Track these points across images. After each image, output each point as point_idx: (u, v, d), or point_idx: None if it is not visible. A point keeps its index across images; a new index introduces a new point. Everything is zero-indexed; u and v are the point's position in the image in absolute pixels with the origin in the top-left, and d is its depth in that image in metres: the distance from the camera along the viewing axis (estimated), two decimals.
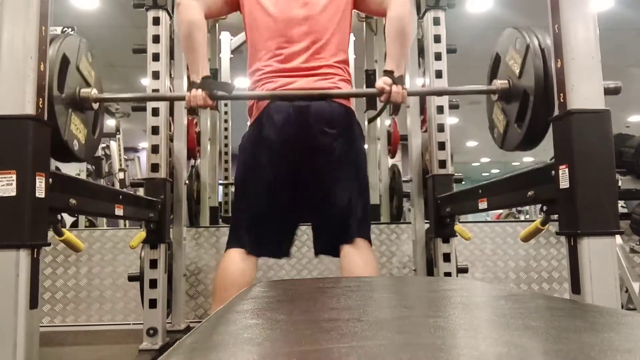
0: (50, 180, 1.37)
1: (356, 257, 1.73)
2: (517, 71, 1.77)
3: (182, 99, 1.86)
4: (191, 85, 1.70)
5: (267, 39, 1.76)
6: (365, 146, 4.10)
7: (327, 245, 1.83)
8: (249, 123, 1.83)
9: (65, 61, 1.70)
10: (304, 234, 2.87)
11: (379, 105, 1.92)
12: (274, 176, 1.75)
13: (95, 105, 1.87)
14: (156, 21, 2.45)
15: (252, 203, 1.80)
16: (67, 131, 1.67)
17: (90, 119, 1.91)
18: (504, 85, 1.86)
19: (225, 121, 4.58)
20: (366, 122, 3.88)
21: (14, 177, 1.26)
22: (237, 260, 1.75)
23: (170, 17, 2.54)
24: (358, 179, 1.82)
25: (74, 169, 4.92)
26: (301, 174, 1.75)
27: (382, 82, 1.71)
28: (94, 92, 1.84)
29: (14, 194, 1.26)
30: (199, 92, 1.66)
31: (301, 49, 1.74)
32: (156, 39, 2.44)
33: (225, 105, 4.49)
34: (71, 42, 1.75)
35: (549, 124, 1.47)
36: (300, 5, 1.76)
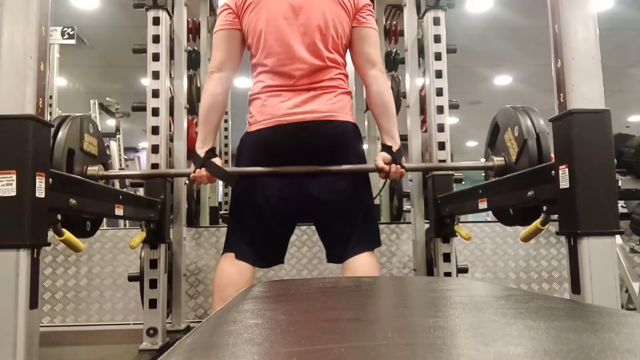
0: (50, 180, 1.37)
1: (358, 269, 1.74)
2: (514, 156, 1.88)
3: (186, 175, 2.03)
4: (196, 159, 1.76)
5: (266, 53, 1.76)
6: (365, 146, 4.11)
7: (337, 257, 1.84)
8: (247, 128, 1.82)
9: (70, 153, 1.82)
10: (304, 234, 2.87)
11: None
12: (272, 190, 1.76)
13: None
14: (156, 21, 2.45)
15: (249, 216, 1.80)
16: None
17: None
18: (501, 162, 1.98)
19: (225, 121, 4.58)
20: (366, 122, 3.88)
21: (14, 177, 1.26)
22: (234, 261, 1.76)
23: (170, 17, 2.54)
24: (362, 193, 1.83)
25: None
26: (301, 190, 1.76)
27: (381, 160, 1.77)
28: (99, 168, 2.00)
29: (14, 194, 1.26)
30: (203, 172, 1.74)
31: (301, 64, 1.74)
32: (156, 39, 2.44)
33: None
34: (74, 131, 1.86)
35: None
36: (300, 21, 1.74)
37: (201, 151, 1.76)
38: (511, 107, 1.97)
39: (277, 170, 1.74)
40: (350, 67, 1.89)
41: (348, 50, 1.85)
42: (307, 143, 1.72)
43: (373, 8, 1.89)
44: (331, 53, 1.77)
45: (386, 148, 1.77)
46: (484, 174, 2.21)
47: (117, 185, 5.82)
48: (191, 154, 3.04)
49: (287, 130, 1.71)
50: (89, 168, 1.95)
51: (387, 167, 1.75)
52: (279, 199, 1.75)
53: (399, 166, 1.76)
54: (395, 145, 1.77)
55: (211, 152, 1.76)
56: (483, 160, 2.18)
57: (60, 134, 1.79)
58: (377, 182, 3.91)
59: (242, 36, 1.80)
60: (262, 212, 1.77)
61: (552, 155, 1.65)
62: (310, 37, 1.74)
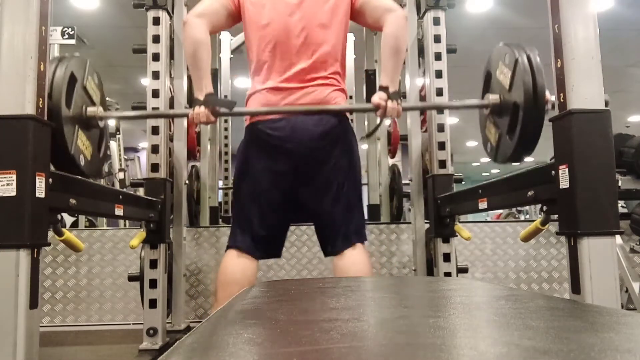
0: (50, 180, 1.37)
1: (349, 259, 1.77)
2: (507, 85, 1.81)
3: (184, 115, 1.92)
4: (194, 101, 1.75)
5: (264, 51, 1.79)
6: (365, 146, 4.12)
7: (330, 249, 1.86)
8: (245, 125, 1.85)
9: (72, 80, 1.73)
10: (304, 234, 2.87)
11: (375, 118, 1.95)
12: (270, 181, 1.79)
13: (101, 123, 1.92)
14: (156, 21, 2.45)
15: (248, 207, 1.83)
16: (74, 147, 1.70)
17: (96, 138, 1.94)
18: (495, 100, 1.90)
19: (225, 121, 4.58)
20: (366, 122, 3.88)
21: (14, 177, 1.26)
22: (237, 258, 1.77)
23: (170, 17, 2.54)
24: (354, 186, 1.85)
25: None
26: (297, 181, 1.79)
27: (377, 97, 1.74)
28: (100, 110, 1.88)
29: (14, 194, 1.26)
30: (202, 110, 1.72)
31: (298, 62, 1.77)
32: (156, 39, 2.44)
33: None
34: (78, 63, 1.80)
35: (539, 133, 1.48)
36: (297, 19, 1.77)
37: (200, 95, 1.73)
38: (502, 43, 1.91)
39: (274, 109, 1.76)
40: (349, 69, 1.90)
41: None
42: (305, 133, 1.75)
43: None
44: (329, 51, 1.78)
45: (383, 88, 1.75)
46: (483, 176, 2.21)
47: (117, 185, 5.84)
48: (191, 153, 3.06)
49: (286, 125, 1.74)
50: (88, 108, 1.83)
51: (383, 103, 1.73)
52: (277, 173, 1.78)
53: (395, 102, 1.73)
54: (393, 87, 1.75)
55: (210, 94, 1.73)
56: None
57: (63, 63, 1.69)
58: (376, 183, 3.91)
59: (232, 13, 1.80)
60: (259, 200, 1.81)
61: (547, 94, 1.61)
62: (308, 34, 1.76)
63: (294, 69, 1.77)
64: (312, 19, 1.77)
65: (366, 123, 3.87)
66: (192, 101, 1.82)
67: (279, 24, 1.76)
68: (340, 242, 1.79)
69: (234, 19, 1.84)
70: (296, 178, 1.78)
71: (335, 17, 1.79)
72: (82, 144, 1.77)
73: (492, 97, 1.91)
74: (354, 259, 1.76)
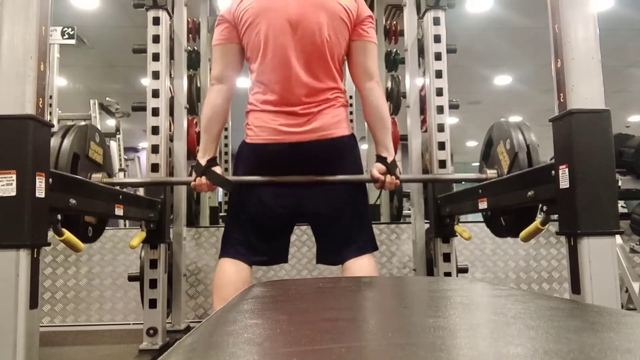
0: (50, 180, 1.37)
1: (358, 271, 1.75)
2: (505, 169, 1.94)
3: (187, 183, 2.09)
4: (197, 167, 1.78)
5: (265, 74, 1.75)
6: (365, 146, 4.12)
7: (331, 260, 1.85)
8: (245, 138, 1.81)
9: (76, 158, 1.86)
10: (304, 234, 2.87)
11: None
12: (268, 199, 1.77)
13: None
14: (156, 21, 2.45)
15: (246, 221, 1.80)
16: (82, 218, 1.86)
17: None
18: (493, 175, 2.04)
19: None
20: (366, 124, 3.87)
21: (14, 177, 1.26)
22: (231, 263, 1.77)
23: (170, 17, 2.54)
24: (358, 199, 1.84)
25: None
26: (299, 199, 1.77)
27: (376, 171, 1.79)
28: (103, 176, 2.04)
29: (14, 194, 1.26)
30: (203, 180, 1.77)
31: (299, 76, 1.72)
32: (156, 39, 2.44)
33: None
34: (79, 137, 1.91)
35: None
36: (298, 38, 1.72)
37: (202, 160, 1.77)
38: (504, 121, 2.02)
39: (275, 179, 1.76)
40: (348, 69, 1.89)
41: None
42: (305, 160, 1.74)
43: (373, 19, 1.88)
44: (329, 70, 1.76)
45: (381, 159, 1.80)
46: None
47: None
48: (191, 153, 3.06)
49: (285, 148, 1.73)
50: (93, 175, 1.98)
51: (382, 177, 1.78)
52: (275, 206, 1.77)
53: (393, 177, 1.79)
54: (390, 156, 1.81)
55: (212, 161, 1.78)
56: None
57: (66, 140, 1.83)
58: None
59: (240, 48, 1.80)
60: (258, 217, 1.79)
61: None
62: (308, 55, 1.72)
63: (296, 90, 1.72)
64: (312, 37, 1.72)
65: (366, 123, 3.86)
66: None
67: (280, 44, 1.72)
68: (348, 254, 1.77)
69: (242, 52, 1.82)
70: (298, 197, 1.76)
71: (335, 33, 1.75)
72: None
73: (490, 173, 2.06)
74: (360, 271, 1.75)
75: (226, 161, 4.60)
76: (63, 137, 1.85)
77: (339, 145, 1.78)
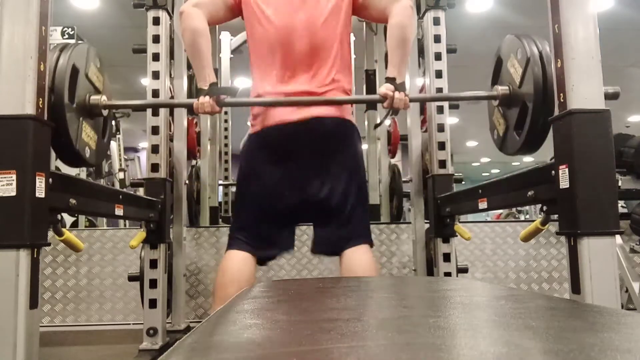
0: (50, 180, 1.37)
1: (357, 261, 1.74)
2: (518, 80, 1.80)
3: (189, 105, 1.88)
4: (198, 92, 1.73)
5: (267, 51, 1.76)
6: (365, 146, 4.12)
7: (329, 249, 1.85)
8: (249, 131, 1.83)
9: (74, 71, 1.74)
10: (304, 234, 2.87)
11: (380, 110, 1.94)
12: (273, 185, 1.77)
13: (105, 112, 1.92)
14: (156, 21, 2.45)
15: (252, 210, 1.81)
16: (79, 140, 1.72)
17: (100, 125, 1.95)
18: (505, 91, 1.88)
19: (225, 121, 4.58)
20: (366, 123, 3.88)
21: (14, 177, 1.26)
22: (236, 259, 1.76)
23: (170, 17, 2.53)
24: (358, 188, 1.84)
25: (74, 169, 4.92)
26: (301, 184, 1.77)
27: (385, 88, 1.73)
28: (103, 99, 1.89)
29: (14, 194, 1.26)
30: (206, 99, 1.70)
31: (303, 63, 1.74)
32: (156, 39, 2.44)
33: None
34: (80, 51, 1.79)
35: (547, 132, 1.48)
36: (302, 18, 1.74)
37: (204, 86, 1.71)
38: (514, 34, 1.88)
39: (282, 101, 1.72)
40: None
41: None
42: (310, 137, 1.73)
43: None
44: (333, 51, 1.76)
45: (390, 80, 1.74)
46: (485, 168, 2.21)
47: (117, 185, 5.83)
48: (191, 153, 3.06)
49: (290, 129, 1.72)
50: (92, 97, 1.84)
51: (391, 93, 1.72)
52: (278, 190, 1.77)
53: (402, 93, 1.73)
54: (400, 78, 1.75)
55: (214, 84, 1.72)
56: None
57: (64, 53, 1.70)
58: (376, 183, 3.91)
59: (231, 7, 1.78)
60: (265, 202, 1.78)
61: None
62: (313, 37, 1.73)
63: (299, 71, 1.74)
64: (316, 17, 1.75)
65: (365, 123, 3.87)
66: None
67: (283, 23, 1.74)
68: (348, 242, 1.76)
69: (233, 12, 1.81)
70: (301, 182, 1.76)
71: (338, 14, 1.77)
72: (86, 136, 1.79)
73: (502, 89, 1.90)
74: (362, 259, 1.75)
75: (226, 161, 4.61)
76: (61, 50, 1.71)
77: (344, 126, 1.77)
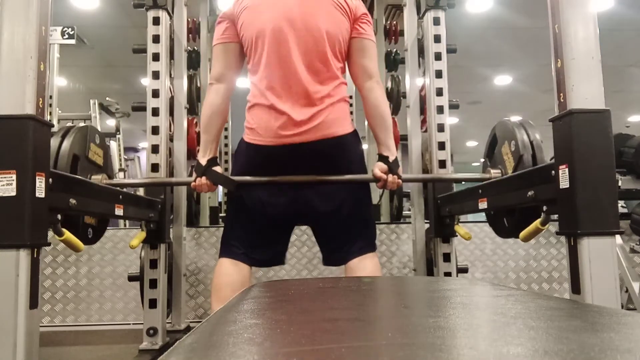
0: (50, 180, 1.37)
1: (362, 271, 1.74)
2: (510, 170, 1.92)
3: (187, 184, 2.05)
4: (197, 167, 1.78)
5: (266, 70, 1.72)
6: (365, 146, 4.12)
7: (336, 260, 1.84)
8: (246, 138, 1.78)
9: (75, 159, 1.86)
10: (304, 233, 2.87)
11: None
12: (268, 198, 1.75)
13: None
14: (156, 21, 2.45)
15: (245, 221, 1.79)
16: (82, 220, 1.85)
17: None
18: (497, 175, 2.03)
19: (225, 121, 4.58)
20: (366, 123, 3.87)
21: (14, 177, 1.26)
22: (230, 266, 1.76)
23: (170, 17, 2.54)
24: (362, 197, 1.83)
25: None
26: (300, 199, 1.75)
27: (378, 170, 1.79)
28: (103, 177, 2.03)
29: (14, 194, 1.26)
30: (203, 180, 1.76)
31: (301, 84, 1.70)
32: (156, 39, 2.44)
33: None
34: (80, 138, 1.91)
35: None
36: (297, 33, 1.70)
37: (203, 160, 1.77)
38: (509, 120, 2.01)
39: (277, 179, 1.75)
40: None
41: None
42: (307, 160, 1.72)
43: (371, 17, 1.86)
44: (330, 66, 1.73)
45: (383, 158, 1.80)
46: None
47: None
48: (191, 153, 3.06)
49: (286, 151, 1.70)
50: (92, 176, 1.98)
51: (384, 177, 1.78)
52: (276, 205, 1.75)
53: (395, 176, 1.78)
54: (392, 155, 1.80)
55: (212, 161, 1.77)
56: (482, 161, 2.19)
57: (66, 141, 1.83)
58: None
59: (241, 47, 1.79)
60: (258, 216, 1.77)
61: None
62: (309, 52, 1.70)
63: (297, 87, 1.70)
64: (313, 32, 1.70)
65: (366, 123, 3.86)
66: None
67: (280, 41, 1.70)
68: (351, 254, 1.76)
69: (243, 52, 1.81)
70: (300, 196, 1.74)
71: (337, 27, 1.73)
72: (88, 217, 1.92)
73: (494, 172, 2.04)
74: (364, 268, 1.74)
75: (226, 161, 4.60)
76: (63, 137, 1.84)
77: (342, 143, 1.75)
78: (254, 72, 1.78)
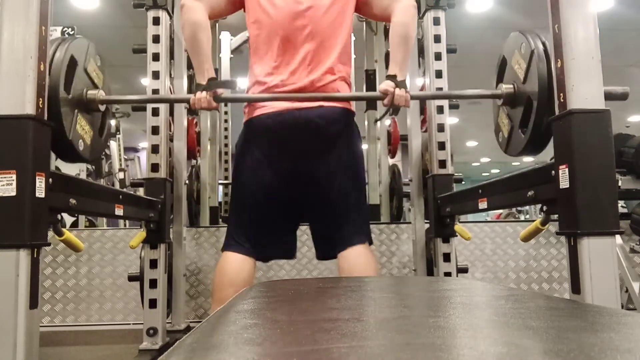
0: (50, 180, 1.37)
1: (356, 259, 1.73)
2: (522, 76, 1.77)
3: (186, 101, 1.86)
4: (197, 87, 1.72)
5: (268, 43, 1.74)
6: (365, 146, 4.12)
7: (330, 250, 1.82)
8: (244, 120, 1.81)
9: (72, 63, 1.72)
10: (304, 234, 2.86)
11: (381, 108, 1.93)
12: (270, 178, 1.75)
13: (102, 107, 1.89)
14: (156, 21, 2.45)
15: (248, 206, 1.79)
16: (73, 131, 1.69)
17: (97, 121, 1.92)
18: (509, 89, 1.85)
19: (225, 121, 4.58)
20: (365, 122, 3.88)
21: (14, 177, 1.26)
22: (233, 260, 1.74)
23: (170, 17, 2.54)
24: (356, 183, 1.82)
25: (74, 169, 4.92)
26: (299, 178, 1.75)
27: (385, 85, 1.73)
28: (100, 93, 1.86)
29: (14, 194, 1.26)
30: (203, 95, 1.68)
31: (303, 55, 1.72)
32: (156, 39, 2.44)
33: (225, 105, 4.50)
34: (79, 45, 1.78)
35: (552, 130, 1.46)
36: (303, 9, 1.73)
37: (203, 81, 1.70)
38: (518, 31, 1.84)
39: (280, 97, 1.70)
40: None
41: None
42: (309, 126, 1.71)
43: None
44: (336, 46, 1.74)
45: (391, 77, 1.73)
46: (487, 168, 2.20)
47: (117, 185, 5.84)
48: (191, 153, 3.06)
49: (289, 116, 1.70)
50: (89, 91, 1.82)
51: (392, 90, 1.71)
52: (278, 180, 1.74)
53: (403, 89, 1.72)
54: (402, 76, 1.74)
55: (213, 80, 1.70)
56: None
57: (63, 44, 1.68)
58: (376, 183, 3.91)
59: (233, 0, 1.77)
60: (258, 199, 1.76)
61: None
62: (315, 26, 1.72)
63: (301, 60, 1.72)
64: (317, 8, 1.73)
65: (365, 123, 3.87)
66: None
67: (287, 11, 1.72)
68: (345, 241, 1.75)
69: (235, 5, 1.79)
70: (299, 175, 1.74)
71: (341, 5, 1.75)
72: (81, 129, 1.76)
73: (506, 87, 1.86)
74: (360, 259, 1.74)
75: (226, 161, 4.61)
76: (60, 42, 1.69)
77: (342, 112, 1.75)
78: (257, 53, 1.77)
